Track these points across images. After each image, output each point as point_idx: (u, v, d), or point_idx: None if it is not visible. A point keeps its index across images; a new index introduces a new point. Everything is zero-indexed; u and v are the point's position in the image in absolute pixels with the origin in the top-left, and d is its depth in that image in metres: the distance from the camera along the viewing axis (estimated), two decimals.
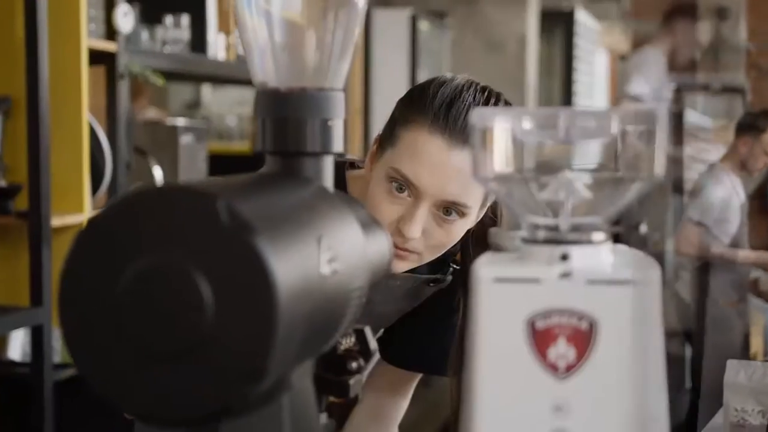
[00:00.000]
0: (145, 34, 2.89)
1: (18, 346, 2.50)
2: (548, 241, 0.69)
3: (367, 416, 1.34)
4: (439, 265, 1.39)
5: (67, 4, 2.43)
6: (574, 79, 7.21)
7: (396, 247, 1.25)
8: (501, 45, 5.25)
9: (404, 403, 1.49)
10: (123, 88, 2.59)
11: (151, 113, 4.11)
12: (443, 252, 1.30)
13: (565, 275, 0.67)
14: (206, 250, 0.60)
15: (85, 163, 2.44)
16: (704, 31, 4.59)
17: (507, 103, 1.33)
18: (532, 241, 0.70)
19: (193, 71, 3.21)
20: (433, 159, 1.22)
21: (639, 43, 9.93)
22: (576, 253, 0.68)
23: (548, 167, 0.72)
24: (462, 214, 1.26)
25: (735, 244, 4.18)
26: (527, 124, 0.70)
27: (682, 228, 4.14)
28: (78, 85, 2.42)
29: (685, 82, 4.62)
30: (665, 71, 4.45)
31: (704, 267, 4.27)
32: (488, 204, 1.33)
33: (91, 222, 0.63)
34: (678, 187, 4.37)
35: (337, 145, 0.79)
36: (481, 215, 1.33)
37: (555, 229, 0.70)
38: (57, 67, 2.39)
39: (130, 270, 0.61)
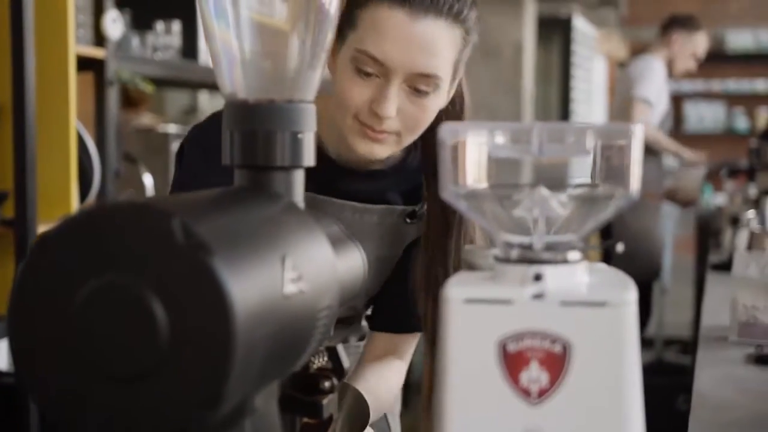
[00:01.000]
0: (135, 40, 2.86)
1: (4, 355, 2.47)
2: (521, 261, 0.67)
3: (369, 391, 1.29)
4: (413, 197, 1.38)
5: (55, 9, 2.40)
6: (571, 86, 7.19)
7: (372, 130, 1.23)
8: (497, 52, 5.23)
9: (404, 367, 1.46)
10: (112, 94, 2.57)
11: (147, 119, 4.09)
12: (420, 132, 1.27)
13: (538, 296, 0.65)
14: (161, 271, 0.58)
15: (73, 170, 2.41)
16: (703, 43, 4.61)
17: None
18: (504, 260, 0.68)
19: (184, 78, 3.19)
20: (397, 33, 1.19)
21: (637, 49, 9.93)
22: (550, 273, 0.66)
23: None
24: (434, 87, 1.23)
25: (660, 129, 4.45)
26: (500, 139, 0.68)
27: (634, 107, 4.32)
28: (66, 92, 2.39)
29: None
30: (665, 80, 4.51)
31: None
32: (458, 77, 1.30)
33: (45, 238, 0.60)
34: None
35: (308, 159, 0.77)
36: (452, 91, 1.31)
37: (529, 247, 0.68)
38: (44, 73, 2.36)
39: (83, 289, 0.59)
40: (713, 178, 9.65)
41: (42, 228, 2.32)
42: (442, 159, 0.68)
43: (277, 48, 0.77)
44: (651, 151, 4.40)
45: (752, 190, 4.08)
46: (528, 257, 0.67)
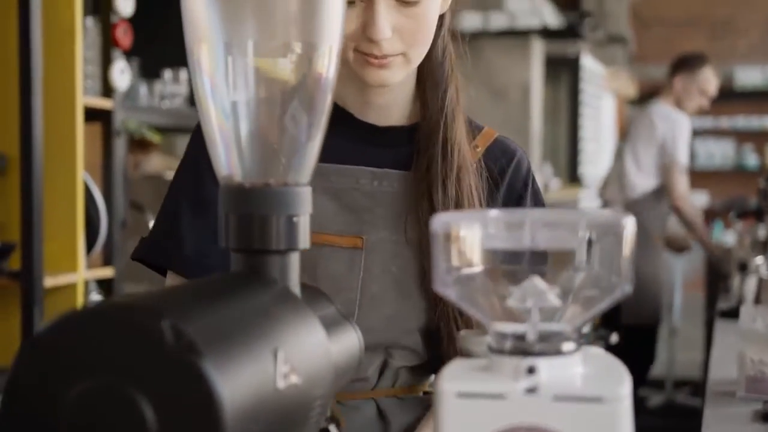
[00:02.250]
0: (143, 89, 2.88)
1: None
2: (515, 352, 0.67)
3: None
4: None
5: (63, 61, 2.42)
6: (580, 125, 7.20)
7: (375, 57, 1.16)
8: (505, 93, 5.24)
9: None
10: (119, 145, 2.58)
11: (157, 161, 4.10)
12: (426, 45, 1.19)
13: (531, 390, 0.64)
14: (150, 372, 0.57)
15: (80, 221, 2.42)
16: (710, 80, 4.61)
17: None
18: (498, 351, 0.67)
19: (192, 126, 3.20)
20: None
21: (645, 87, 9.96)
22: (543, 365, 0.65)
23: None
24: None
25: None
26: (492, 229, 0.68)
27: (675, 175, 4.30)
28: (73, 143, 2.41)
29: None
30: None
31: (642, 201, 4.40)
32: None
33: (33, 340, 0.60)
34: None
35: (304, 242, 0.77)
36: None
37: (522, 338, 0.68)
38: (52, 124, 2.38)
39: (72, 392, 0.58)
40: (723, 216, 9.63)
41: (48, 280, 2.33)
42: (434, 249, 0.67)
43: (273, 131, 0.78)
44: (660, 193, 4.38)
45: (762, 231, 4.06)
46: (521, 348, 0.67)
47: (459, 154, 1.23)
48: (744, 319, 1.93)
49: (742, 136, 10.05)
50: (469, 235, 0.68)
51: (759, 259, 3.00)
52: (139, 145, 3.99)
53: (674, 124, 4.42)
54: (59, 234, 2.40)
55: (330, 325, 0.77)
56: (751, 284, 2.86)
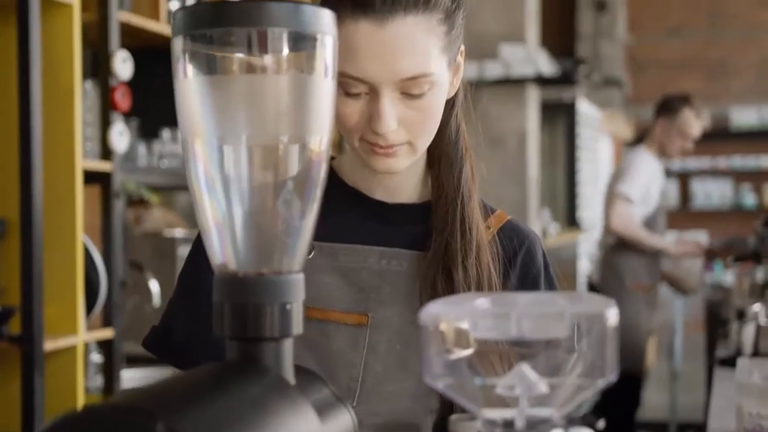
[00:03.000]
0: (142, 148, 2.91)
1: None
2: None
3: None
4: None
5: (63, 124, 2.45)
6: (577, 168, 7.23)
7: (381, 147, 1.16)
8: (502, 141, 5.28)
9: None
10: (118, 207, 2.61)
11: (158, 215, 4.13)
12: (432, 132, 1.18)
13: None
14: None
15: (80, 284, 2.43)
16: (690, 122, 4.60)
17: None
18: None
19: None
20: (367, 45, 1.11)
21: (642, 128, 10.03)
22: None
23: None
24: (429, 85, 1.14)
25: (648, 226, 4.38)
26: (479, 320, 0.69)
27: (613, 203, 4.29)
28: (72, 207, 2.43)
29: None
30: (658, 173, 4.49)
31: (616, 247, 4.38)
32: (457, 64, 1.21)
33: None
34: None
35: (297, 328, 0.79)
36: (458, 80, 1.23)
37: (510, 425, 0.69)
38: (51, 188, 2.40)
39: None
40: (723, 256, 9.63)
41: (48, 344, 2.34)
42: (424, 340, 0.69)
43: (266, 222, 0.80)
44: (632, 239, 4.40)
45: (760, 274, 4.07)
46: None
47: (477, 233, 1.23)
48: (741, 371, 1.94)
49: (739, 176, 10.10)
50: (458, 326, 0.70)
51: (756, 306, 3.00)
52: (140, 199, 4.02)
53: (634, 156, 4.45)
54: (59, 297, 2.42)
55: (324, 409, 0.78)
56: (749, 332, 2.86)
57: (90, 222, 2.61)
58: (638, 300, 4.34)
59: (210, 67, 0.78)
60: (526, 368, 0.69)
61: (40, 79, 2.35)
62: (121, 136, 2.61)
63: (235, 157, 0.78)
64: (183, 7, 0.78)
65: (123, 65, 2.61)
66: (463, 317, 0.70)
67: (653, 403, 6.60)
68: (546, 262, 1.30)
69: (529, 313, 0.69)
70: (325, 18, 0.78)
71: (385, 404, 1.20)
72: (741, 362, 1.99)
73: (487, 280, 1.20)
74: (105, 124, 2.61)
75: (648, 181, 4.38)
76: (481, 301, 0.72)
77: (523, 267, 1.28)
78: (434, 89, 1.15)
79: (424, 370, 0.70)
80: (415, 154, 1.19)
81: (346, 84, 1.14)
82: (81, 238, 2.46)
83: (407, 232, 1.26)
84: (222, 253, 0.79)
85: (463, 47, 1.23)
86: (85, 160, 2.52)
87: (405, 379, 1.21)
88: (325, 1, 1.17)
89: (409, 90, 1.14)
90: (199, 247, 1.29)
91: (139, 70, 2.72)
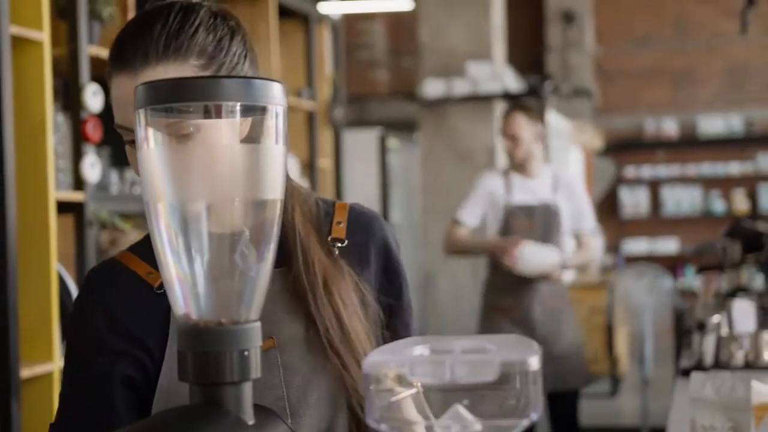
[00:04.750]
0: (114, 177, 2.97)
1: None
2: None
3: None
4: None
5: (35, 157, 2.51)
6: None
7: None
8: (470, 156, 5.37)
9: None
10: (91, 236, 2.67)
11: (133, 237, 4.17)
12: None
13: None
14: None
15: (55, 312, 2.49)
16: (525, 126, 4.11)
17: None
18: None
19: None
20: (126, 95, 1.17)
21: (612, 138, 10.16)
22: None
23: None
24: (195, 128, 1.05)
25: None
26: (417, 368, 0.77)
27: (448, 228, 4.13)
28: (46, 236, 2.49)
29: None
30: (501, 190, 4.14)
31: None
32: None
33: None
34: None
35: (255, 372, 0.86)
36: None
37: None
38: (25, 219, 2.46)
39: None
40: (693, 261, 9.75)
41: (24, 371, 2.40)
42: (366, 388, 0.76)
43: (225, 276, 0.87)
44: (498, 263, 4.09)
45: (723, 284, 4.15)
46: None
47: (319, 265, 1.29)
48: (695, 385, 2.01)
49: (708, 183, 10.25)
50: (398, 372, 0.77)
51: (716, 318, 3.07)
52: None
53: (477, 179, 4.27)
54: (35, 325, 2.47)
55: None
56: (709, 343, 2.94)
57: (64, 251, 2.67)
58: (570, 313, 4.21)
59: (169, 138, 0.85)
60: (461, 409, 0.77)
61: (12, 114, 2.41)
62: (92, 167, 2.67)
63: (194, 217, 0.86)
64: (145, 83, 0.85)
65: (93, 98, 2.68)
66: (402, 364, 0.77)
67: (626, 408, 6.70)
68: (393, 247, 1.37)
69: (463, 359, 0.77)
70: (275, 90, 0.86)
71: (314, 409, 1.27)
72: (695, 376, 2.07)
73: (343, 309, 1.28)
74: (77, 156, 2.67)
75: (479, 201, 4.15)
76: (419, 348, 0.79)
77: (377, 251, 1.35)
78: (204, 133, 1.07)
79: (367, 413, 0.77)
80: None
81: (123, 134, 1.20)
82: (55, 266, 2.51)
83: None
84: (184, 304, 0.87)
85: None
86: (57, 191, 2.58)
87: (323, 381, 1.27)
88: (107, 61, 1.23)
89: (178, 134, 1.02)
90: (85, 327, 1.28)
91: (110, 99, 2.78)
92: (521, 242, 3.92)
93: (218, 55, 1.21)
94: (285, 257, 1.30)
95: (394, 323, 1.35)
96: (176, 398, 1.21)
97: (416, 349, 0.79)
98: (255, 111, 0.86)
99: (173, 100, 0.84)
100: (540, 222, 4.09)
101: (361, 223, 1.36)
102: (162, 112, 0.84)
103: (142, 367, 1.24)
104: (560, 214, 4.08)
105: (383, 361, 0.77)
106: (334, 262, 1.31)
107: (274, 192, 0.87)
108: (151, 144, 0.85)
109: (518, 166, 4.08)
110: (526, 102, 4.25)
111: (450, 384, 0.77)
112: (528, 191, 4.08)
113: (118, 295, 1.28)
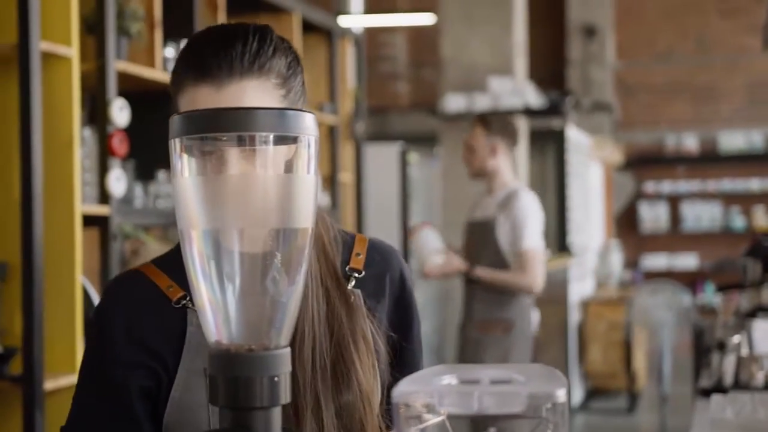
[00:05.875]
0: (139, 190, 3.00)
1: None
2: None
3: None
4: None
5: (62, 171, 2.54)
6: (567, 195, 7.32)
7: None
8: None
9: None
10: (115, 249, 2.69)
11: (154, 248, 4.19)
12: None
13: None
14: None
15: (79, 324, 2.52)
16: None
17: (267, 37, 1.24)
18: None
19: None
20: (206, 105, 1.19)
21: (632, 153, 10.14)
22: None
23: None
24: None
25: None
26: (445, 398, 0.78)
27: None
28: (72, 250, 2.52)
29: None
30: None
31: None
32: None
33: None
34: None
35: (284, 397, 0.87)
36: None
37: None
38: (52, 232, 2.49)
39: None
40: (713, 277, 9.71)
41: (49, 383, 2.42)
42: (395, 417, 0.78)
43: (256, 302, 0.89)
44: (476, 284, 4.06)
45: (744, 303, 4.13)
46: None
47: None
48: (715, 407, 2.01)
49: (728, 199, 10.21)
50: (426, 402, 0.79)
51: (736, 338, 3.06)
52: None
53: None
54: (59, 337, 2.49)
55: None
56: (729, 363, 2.93)
57: (88, 264, 2.70)
58: (481, 342, 4.13)
59: (204, 167, 0.87)
60: None
61: (41, 129, 2.44)
62: (118, 181, 2.70)
63: (227, 244, 0.87)
64: (179, 113, 0.87)
65: (120, 113, 2.71)
66: (431, 394, 0.78)
67: (643, 425, 6.68)
68: (408, 282, 1.38)
69: (490, 391, 0.78)
70: (307, 121, 0.88)
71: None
72: (715, 398, 2.07)
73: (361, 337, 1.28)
74: (103, 170, 2.70)
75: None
76: (447, 378, 0.81)
77: (392, 284, 1.35)
78: (238, 163, 1.13)
79: None
80: None
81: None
82: (80, 279, 2.54)
83: None
84: (216, 330, 0.88)
85: None
86: (83, 205, 2.60)
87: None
88: (174, 71, 1.25)
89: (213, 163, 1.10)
90: (103, 335, 1.29)
91: (136, 113, 2.81)
92: (425, 226, 4.03)
93: (290, 78, 1.25)
94: None
95: (402, 360, 1.33)
96: (188, 411, 1.23)
97: (444, 378, 0.81)
98: (288, 141, 0.87)
99: (208, 130, 0.86)
100: (476, 238, 4.06)
101: (379, 256, 1.36)
102: (197, 141, 0.86)
103: (156, 377, 1.26)
104: (495, 230, 3.99)
105: (413, 391, 0.79)
106: (347, 303, 1.30)
107: (306, 221, 0.88)
108: (186, 173, 0.87)
109: (475, 177, 4.11)
110: (489, 116, 4.19)
111: (478, 414, 0.78)
112: (482, 208, 4.09)
113: (136, 306, 1.29)
